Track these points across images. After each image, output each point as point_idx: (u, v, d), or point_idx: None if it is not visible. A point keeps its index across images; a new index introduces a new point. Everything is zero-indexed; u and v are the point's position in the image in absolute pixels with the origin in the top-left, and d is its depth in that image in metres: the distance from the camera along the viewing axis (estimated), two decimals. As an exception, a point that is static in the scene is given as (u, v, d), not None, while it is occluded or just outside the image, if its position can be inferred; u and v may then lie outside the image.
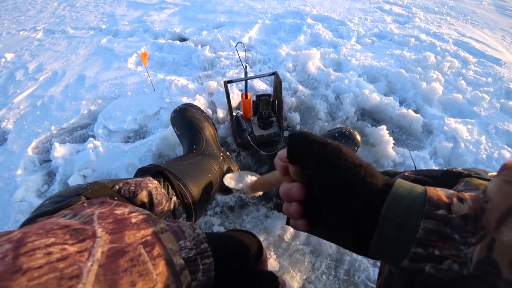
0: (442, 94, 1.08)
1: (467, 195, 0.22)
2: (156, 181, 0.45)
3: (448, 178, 0.27)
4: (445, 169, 0.33)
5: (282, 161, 0.29)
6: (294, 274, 0.67)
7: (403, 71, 1.15)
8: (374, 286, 0.66)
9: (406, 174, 0.32)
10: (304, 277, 0.67)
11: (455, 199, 0.22)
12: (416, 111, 1.02)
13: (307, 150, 0.27)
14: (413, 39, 1.40)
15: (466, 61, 1.27)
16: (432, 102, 1.07)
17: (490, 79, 1.16)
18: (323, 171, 0.25)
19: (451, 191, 0.23)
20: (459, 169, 0.31)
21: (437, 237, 0.21)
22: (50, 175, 0.96)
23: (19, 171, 0.94)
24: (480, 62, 1.27)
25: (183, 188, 0.54)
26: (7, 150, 1.04)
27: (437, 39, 1.42)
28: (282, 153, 0.29)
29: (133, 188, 0.40)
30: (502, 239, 0.18)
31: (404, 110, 0.99)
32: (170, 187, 0.51)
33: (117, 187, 0.39)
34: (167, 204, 0.45)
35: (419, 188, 0.23)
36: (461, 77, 1.17)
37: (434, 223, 0.21)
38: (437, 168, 0.83)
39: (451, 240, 0.21)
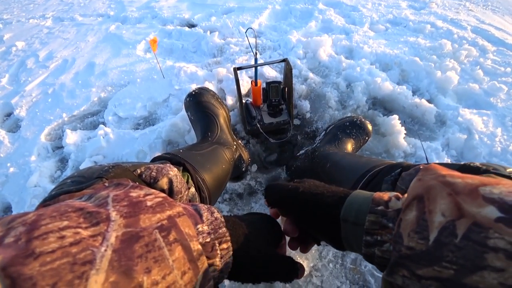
0: (458, 84, 1.05)
1: (406, 195, 0.28)
2: (176, 169, 0.43)
3: (465, 173, 0.28)
4: (462, 163, 0.33)
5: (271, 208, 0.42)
6: (301, 262, 0.68)
7: (417, 59, 1.11)
8: (380, 275, 0.67)
9: (421, 167, 0.32)
10: (311, 265, 0.68)
11: (393, 198, 0.29)
12: (429, 101, 0.99)
13: (278, 196, 0.39)
14: (429, 26, 1.35)
15: (485, 50, 1.21)
16: (447, 92, 1.04)
17: (509, 69, 1.11)
18: (292, 209, 0.37)
19: (395, 193, 0.30)
20: (477, 164, 0.31)
21: (378, 227, 0.28)
22: (63, 161, 0.98)
23: (33, 157, 0.97)
24: (499, 50, 1.22)
25: (201, 182, 0.54)
26: (21, 137, 1.07)
27: (455, 26, 1.36)
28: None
29: (154, 174, 0.39)
30: (405, 218, 0.25)
31: (417, 100, 0.96)
32: (189, 177, 0.51)
33: (138, 171, 0.38)
34: (186, 193, 0.44)
35: (368, 193, 0.31)
36: (478, 66, 1.12)
37: (375, 216, 0.28)
38: (450, 161, 0.82)
39: (387, 228, 0.27)
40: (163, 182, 0.39)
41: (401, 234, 0.25)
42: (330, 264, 0.68)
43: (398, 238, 0.25)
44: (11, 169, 0.94)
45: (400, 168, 0.42)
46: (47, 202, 0.29)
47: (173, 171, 0.42)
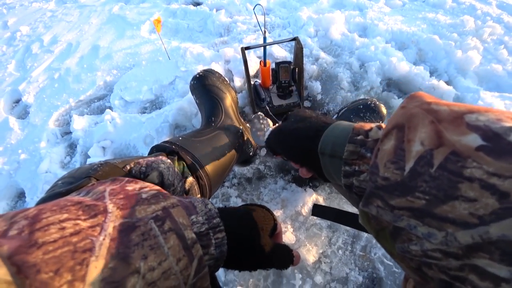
0: (479, 65, 0.98)
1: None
2: (169, 161, 0.44)
3: None
4: None
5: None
6: (311, 248, 0.67)
7: (437, 37, 1.04)
8: (390, 263, 0.66)
9: None
10: (320, 251, 0.67)
11: (374, 127, 0.28)
12: (448, 83, 0.94)
13: (270, 141, 0.45)
14: (450, 1, 1.25)
15: (510, 27, 1.13)
16: (467, 73, 0.97)
17: (536, 47, 1.03)
18: (280, 148, 0.42)
19: (378, 123, 0.29)
20: None
21: (356, 156, 0.28)
22: (72, 147, 0.98)
23: (42, 144, 0.97)
24: (527, 27, 1.13)
25: (199, 169, 0.53)
26: (30, 123, 1.07)
27: (478, 1, 1.26)
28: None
29: (144, 168, 0.40)
30: (383, 147, 0.24)
31: (434, 81, 0.91)
32: (185, 166, 0.51)
33: (128, 167, 0.39)
34: (179, 184, 0.45)
35: (348, 123, 0.31)
36: (502, 46, 1.04)
37: (353, 146, 0.28)
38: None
39: (365, 157, 0.27)
40: (154, 176, 0.40)
41: (377, 165, 0.24)
42: (340, 251, 0.67)
43: (374, 168, 0.24)
44: (22, 156, 0.95)
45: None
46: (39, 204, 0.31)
47: (165, 163, 0.43)
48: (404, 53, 1.03)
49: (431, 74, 0.97)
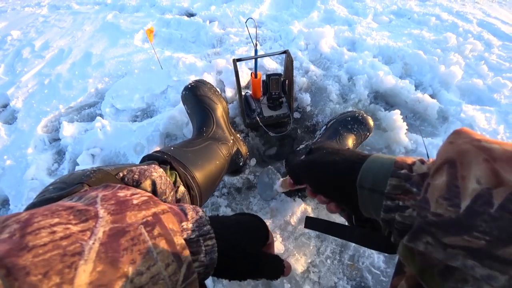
0: (461, 79, 1.03)
1: (431, 159, 0.27)
2: (161, 170, 0.44)
3: None
4: None
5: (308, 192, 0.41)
6: (299, 258, 0.67)
7: (421, 52, 1.08)
8: (378, 272, 0.67)
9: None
10: (309, 261, 0.68)
11: (417, 162, 0.28)
12: (432, 96, 0.97)
13: (297, 174, 0.42)
14: (433, 18, 1.32)
15: (490, 44, 1.19)
16: (450, 87, 1.02)
17: (514, 64, 1.09)
18: (311, 182, 0.39)
19: (419, 157, 0.29)
20: None
21: (400, 191, 0.27)
22: (60, 154, 0.97)
23: (29, 150, 0.96)
24: (505, 45, 1.19)
25: (190, 180, 0.54)
26: (17, 129, 1.05)
27: (460, 19, 1.33)
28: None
29: (136, 176, 0.40)
30: (434, 182, 0.24)
31: (419, 95, 0.95)
32: (177, 176, 0.51)
33: (121, 174, 0.39)
34: (171, 193, 0.45)
35: (388, 157, 0.30)
36: (483, 61, 1.10)
37: (397, 180, 0.27)
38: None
39: (410, 192, 0.27)
40: (146, 185, 0.40)
41: (427, 200, 0.24)
42: (328, 260, 0.68)
43: (424, 203, 0.24)
44: (8, 162, 0.93)
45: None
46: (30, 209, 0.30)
47: (157, 172, 0.43)
48: (391, 67, 1.07)
49: (416, 87, 1.01)
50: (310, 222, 0.43)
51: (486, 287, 0.19)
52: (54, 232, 0.21)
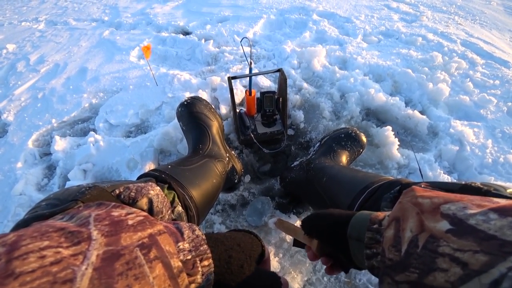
0: (449, 96, 1.07)
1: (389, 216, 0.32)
2: (158, 188, 0.43)
3: (466, 193, 0.31)
4: (463, 183, 0.35)
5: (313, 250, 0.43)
6: (295, 275, 0.66)
7: (410, 71, 1.13)
8: (374, 288, 0.66)
9: (422, 186, 0.36)
10: (305, 279, 0.67)
11: (386, 217, 0.33)
12: (422, 112, 1.00)
13: (310, 226, 0.43)
14: (420, 39, 1.38)
15: (474, 63, 1.25)
16: (438, 104, 1.05)
17: (497, 82, 1.14)
18: (318, 232, 0.41)
19: (389, 212, 0.33)
20: (478, 184, 0.33)
21: (374, 241, 0.32)
22: (50, 169, 0.95)
23: (19, 164, 0.94)
24: (488, 63, 1.25)
25: (188, 200, 0.53)
26: (7, 142, 1.03)
27: (445, 39, 1.40)
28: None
29: (133, 194, 0.38)
30: (386, 235, 0.30)
31: (409, 111, 0.98)
32: (175, 196, 0.50)
33: (117, 191, 0.37)
34: (168, 213, 0.44)
35: (367, 213, 0.36)
36: (468, 79, 1.15)
37: (371, 233, 0.33)
38: (442, 172, 0.82)
39: (379, 242, 0.31)
40: (143, 203, 0.39)
41: (384, 249, 0.29)
42: (325, 278, 0.67)
43: (382, 252, 0.30)
44: (-5, 177, 0.91)
45: (400, 185, 0.43)
46: (20, 227, 0.28)
47: (154, 190, 0.41)
48: (381, 84, 1.10)
49: (406, 104, 1.04)
50: (297, 242, 0.44)
51: None
52: (43, 257, 0.20)
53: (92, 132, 0.98)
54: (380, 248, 0.31)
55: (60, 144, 0.96)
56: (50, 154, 0.97)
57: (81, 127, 1.07)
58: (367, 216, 0.36)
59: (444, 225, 0.25)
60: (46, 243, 0.21)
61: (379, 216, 0.34)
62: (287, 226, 0.48)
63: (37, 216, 0.30)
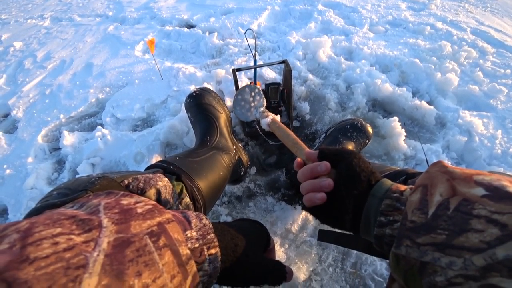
0: (458, 86, 1.04)
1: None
2: (166, 179, 0.44)
3: None
4: None
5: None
6: (301, 266, 0.67)
7: (417, 60, 1.10)
8: (381, 279, 0.66)
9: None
10: (311, 269, 0.67)
11: (408, 189, 0.34)
12: (429, 103, 0.99)
13: (332, 154, 0.41)
14: (428, 27, 1.35)
15: (484, 51, 1.21)
16: (447, 94, 1.03)
17: (508, 71, 1.11)
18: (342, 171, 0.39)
19: (411, 186, 0.34)
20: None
21: (392, 209, 0.33)
22: (60, 163, 0.97)
23: (29, 159, 0.96)
24: (499, 52, 1.22)
25: (196, 192, 0.53)
26: (18, 138, 1.06)
27: (454, 28, 1.36)
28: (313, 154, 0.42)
29: (142, 184, 0.39)
30: (411, 199, 0.30)
31: (417, 102, 0.96)
32: (183, 187, 0.50)
33: (126, 182, 0.38)
34: (176, 204, 0.45)
35: (391, 182, 0.36)
36: (478, 68, 1.12)
37: (390, 200, 0.33)
38: (450, 164, 0.81)
39: (399, 209, 0.32)
40: (151, 193, 0.40)
41: (406, 212, 0.30)
42: (330, 268, 0.67)
43: (404, 215, 0.30)
44: (8, 171, 0.93)
45: (405, 175, 0.43)
46: (32, 215, 0.29)
47: (162, 181, 0.42)
48: (388, 75, 1.08)
49: (414, 95, 1.03)
50: (323, 234, 0.44)
51: (450, 272, 0.23)
52: (56, 243, 0.20)
53: (99, 127, 0.99)
54: (398, 215, 0.32)
55: (68, 139, 0.98)
56: (59, 149, 0.99)
57: (88, 122, 1.09)
58: (390, 183, 0.36)
59: (480, 191, 0.25)
60: (58, 230, 0.22)
61: (400, 188, 0.34)
62: (283, 131, 0.43)
63: (48, 205, 0.31)
